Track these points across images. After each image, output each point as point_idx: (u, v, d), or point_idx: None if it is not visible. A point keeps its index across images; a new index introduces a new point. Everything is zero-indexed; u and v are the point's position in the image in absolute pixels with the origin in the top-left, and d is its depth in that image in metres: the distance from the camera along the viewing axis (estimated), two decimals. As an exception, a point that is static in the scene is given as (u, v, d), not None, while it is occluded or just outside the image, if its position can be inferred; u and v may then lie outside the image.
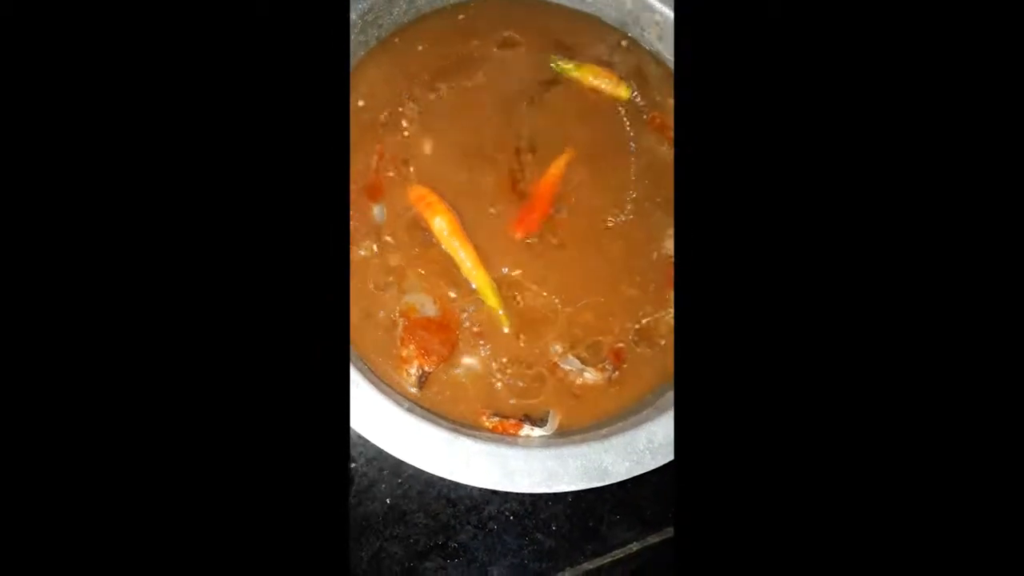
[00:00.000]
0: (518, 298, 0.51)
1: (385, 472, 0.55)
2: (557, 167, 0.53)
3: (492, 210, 0.52)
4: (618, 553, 0.58)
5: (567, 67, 0.57)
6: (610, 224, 0.53)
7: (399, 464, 0.55)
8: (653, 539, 0.59)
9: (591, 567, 0.58)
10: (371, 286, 0.49)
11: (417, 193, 0.51)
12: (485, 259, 0.50)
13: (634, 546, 0.58)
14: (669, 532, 0.59)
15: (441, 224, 0.50)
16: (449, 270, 0.51)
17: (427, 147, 0.53)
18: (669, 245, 0.52)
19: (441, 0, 0.58)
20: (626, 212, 0.54)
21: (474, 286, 0.50)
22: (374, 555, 0.54)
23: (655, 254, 0.52)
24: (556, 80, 0.57)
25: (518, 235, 0.51)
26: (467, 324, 0.50)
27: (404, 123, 0.54)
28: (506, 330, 0.49)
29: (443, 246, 0.50)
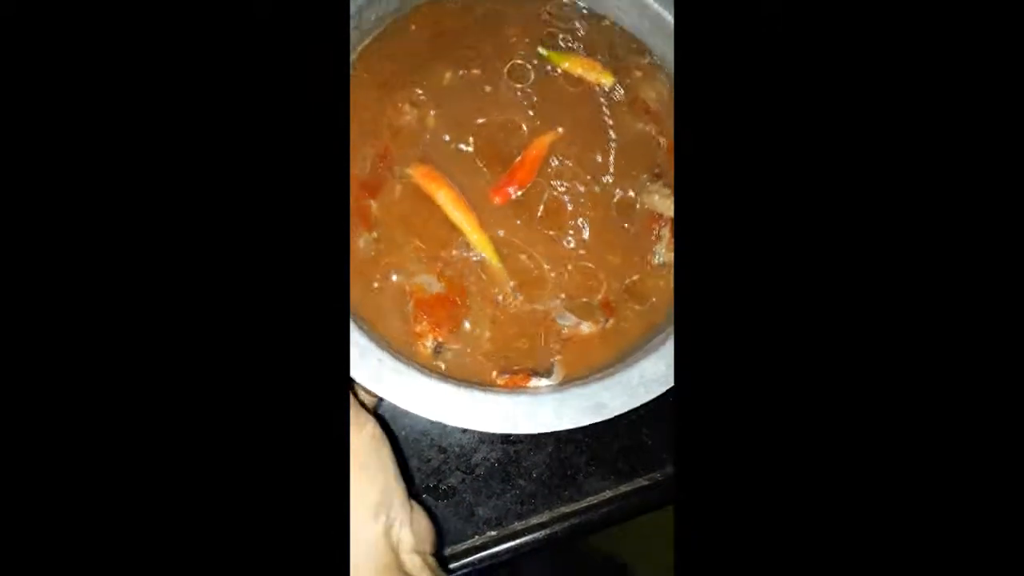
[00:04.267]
0: (513, 259, 0.55)
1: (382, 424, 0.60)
2: (541, 144, 0.57)
3: (481, 180, 0.56)
4: (592, 499, 0.64)
5: (554, 55, 0.61)
6: (593, 193, 0.58)
7: (395, 417, 0.60)
8: (624, 488, 0.65)
9: (567, 510, 0.64)
10: (377, 276, 0.53)
11: (421, 171, 0.55)
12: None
13: (607, 493, 0.64)
14: (639, 482, 0.65)
15: (444, 197, 0.54)
16: (449, 242, 0.55)
17: (427, 122, 0.57)
18: (647, 200, 0.57)
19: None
20: (605, 185, 0.58)
21: (478, 251, 0.54)
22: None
23: (633, 222, 0.57)
24: (544, 65, 0.60)
25: (497, 200, 0.55)
26: (472, 291, 0.54)
27: (406, 106, 0.57)
28: (511, 285, 0.53)
29: (448, 215, 0.54)
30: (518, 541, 0.63)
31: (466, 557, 0.62)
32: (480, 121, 0.57)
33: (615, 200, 0.57)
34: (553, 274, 0.54)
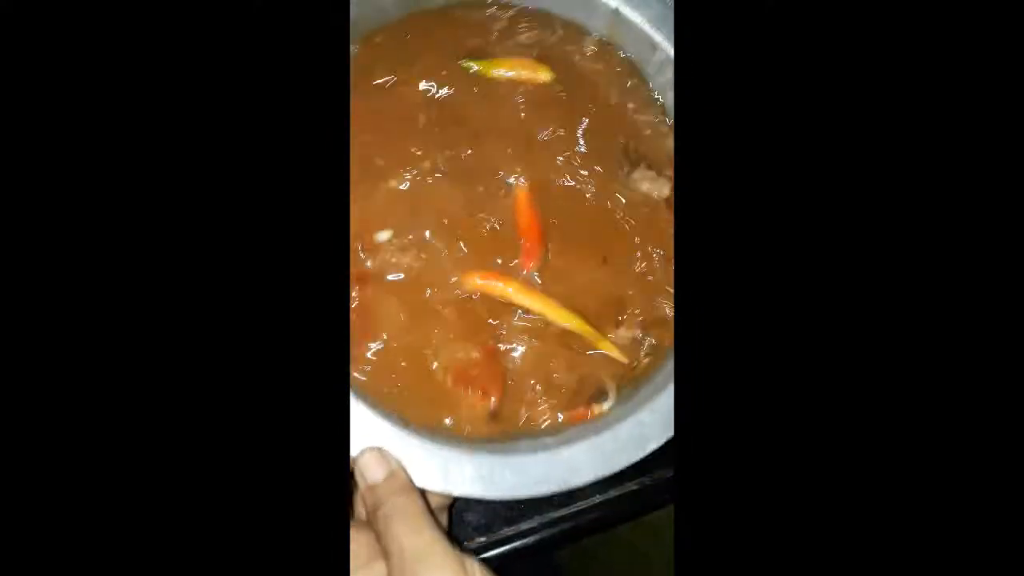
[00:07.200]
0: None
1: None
2: (523, 200, 0.51)
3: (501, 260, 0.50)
4: (581, 504, 0.63)
5: (480, 66, 0.53)
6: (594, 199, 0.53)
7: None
8: (613, 492, 0.64)
9: (556, 515, 0.62)
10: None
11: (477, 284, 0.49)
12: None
13: (596, 498, 0.63)
14: (628, 487, 0.64)
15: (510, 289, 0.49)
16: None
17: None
18: (636, 189, 0.53)
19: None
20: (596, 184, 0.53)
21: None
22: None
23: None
24: (475, 84, 0.53)
25: (530, 267, 0.50)
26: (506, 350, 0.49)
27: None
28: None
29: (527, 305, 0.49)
30: (507, 547, 0.61)
31: (455, 564, 0.60)
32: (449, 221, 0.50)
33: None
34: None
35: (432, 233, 0.49)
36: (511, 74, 0.53)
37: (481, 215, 0.50)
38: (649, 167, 0.53)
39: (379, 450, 0.41)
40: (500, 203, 0.51)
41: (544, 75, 0.54)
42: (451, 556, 0.38)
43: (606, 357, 0.49)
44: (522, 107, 0.53)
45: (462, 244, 0.49)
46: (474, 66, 0.53)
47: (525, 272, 0.50)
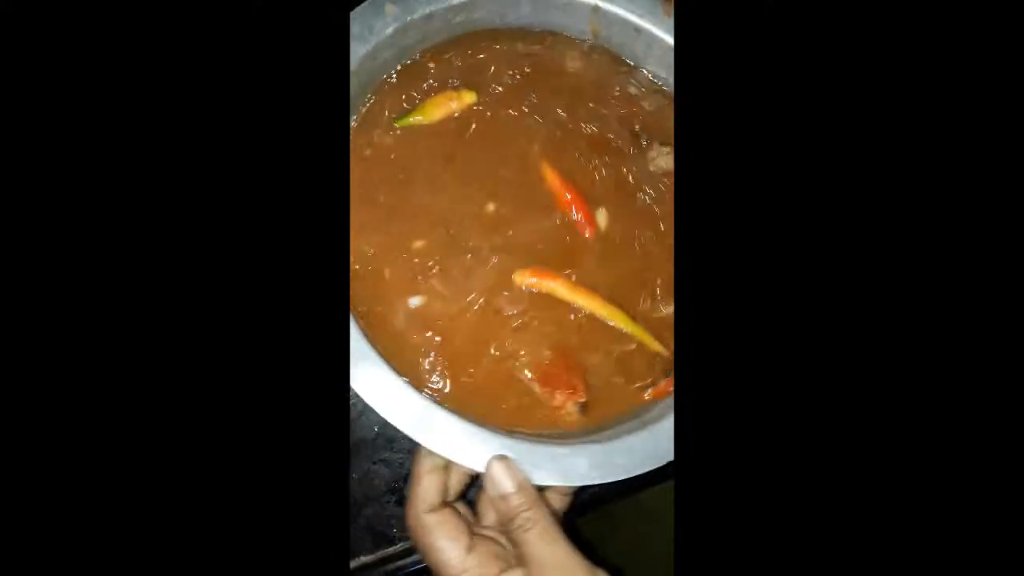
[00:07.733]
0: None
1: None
2: (548, 170, 0.53)
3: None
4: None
5: (410, 119, 0.53)
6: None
7: (365, 412, 0.59)
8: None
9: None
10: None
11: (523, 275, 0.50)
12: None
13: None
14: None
15: (558, 287, 0.50)
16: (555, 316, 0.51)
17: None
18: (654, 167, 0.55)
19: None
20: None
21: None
22: (364, 475, 0.58)
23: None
24: (413, 131, 0.53)
25: (589, 234, 0.52)
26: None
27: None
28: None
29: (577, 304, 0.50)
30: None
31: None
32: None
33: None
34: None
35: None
36: (438, 113, 0.53)
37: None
38: (663, 144, 0.55)
39: (506, 460, 0.43)
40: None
41: (468, 97, 0.54)
42: (586, 567, 0.42)
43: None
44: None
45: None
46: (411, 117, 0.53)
47: (588, 236, 0.52)
